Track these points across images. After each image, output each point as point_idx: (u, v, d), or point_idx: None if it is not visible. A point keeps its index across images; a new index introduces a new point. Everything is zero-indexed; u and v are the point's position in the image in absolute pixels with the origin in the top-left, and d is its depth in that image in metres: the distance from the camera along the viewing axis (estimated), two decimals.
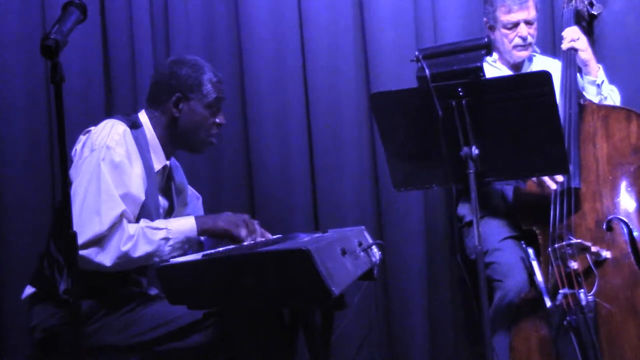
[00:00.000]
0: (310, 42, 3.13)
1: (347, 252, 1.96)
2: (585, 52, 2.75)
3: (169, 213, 2.30)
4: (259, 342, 2.00)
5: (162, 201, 2.26)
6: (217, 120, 2.26)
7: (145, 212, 2.10)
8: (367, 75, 3.14)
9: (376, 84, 3.09)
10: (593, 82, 2.77)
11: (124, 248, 1.98)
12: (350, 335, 3.01)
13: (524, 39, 2.78)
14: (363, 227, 2.41)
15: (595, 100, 2.75)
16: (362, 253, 2.13)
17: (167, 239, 2.04)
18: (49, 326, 2.06)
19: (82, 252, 1.92)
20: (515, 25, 2.78)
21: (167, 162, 2.24)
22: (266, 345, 2.01)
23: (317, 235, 2.18)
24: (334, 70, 3.13)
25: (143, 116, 2.23)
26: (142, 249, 2.00)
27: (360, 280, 2.14)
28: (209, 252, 1.92)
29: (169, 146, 2.25)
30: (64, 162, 1.62)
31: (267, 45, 3.12)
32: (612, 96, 2.80)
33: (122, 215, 2.00)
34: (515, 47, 2.80)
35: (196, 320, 2.02)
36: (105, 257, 1.96)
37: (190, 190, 2.47)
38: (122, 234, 1.99)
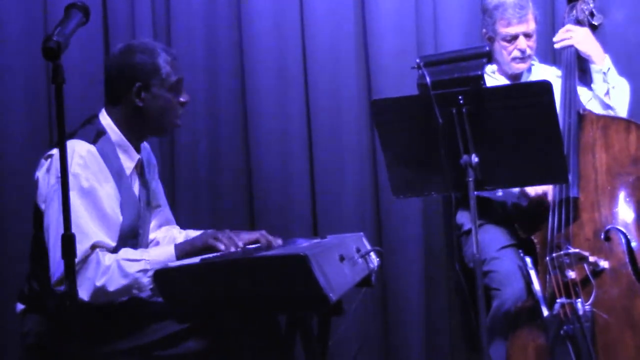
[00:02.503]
0: (311, 48, 3.13)
1: (345, 258, 1.96)
2: (582, 44, 2.74)
3: (148, 203, 2.27)
4: (255, 348, 2.00)
5: (142, 196, 2.21)
6: (182, 99, 2.16)
7: (125, 226, 2.06)
8: (368, 82, 3.15)
9: (377, 90, 3.10)
10: (599, 71, 2.74)
11: (99, 283, 1.90)
12: (348, 342, 3.00)
13: (523, 51, 2.78)
14: (362, 233, 2.40)
15: (603, 89, 2.73)
16: (360, 259, 2.13)
17: (145, 271, 1.94)
18: (41, 331, 2.04)
19: (57, 289, 1.89)
20: (514, 38, 2.76)
21: (139, 156, 2.18)
22: (263, 351, 2.01)
23: (315, 241, 2.18)
24: (335, 76, 3.13)
25: (104, 118, 2.11)
26: (117, 282, 1.92)
27: (358, 286, 2.14)
28: (207, 256, 1.92)
29: (138, 139, 2.17)
30: (64, 163, 1.61)
31: (268, 50, 3.13)
32: (620, 86, 2.76)
33: (94, 247, 1.93)
34: (513, 59, 2.80)
35: (191, 325, 2.00)
36: (82, 292, 1.87)
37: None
38: (97, 268, 1.91)
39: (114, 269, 1.92)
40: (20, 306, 2.11)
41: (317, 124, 3.14)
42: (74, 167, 1.94)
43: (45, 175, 2.02)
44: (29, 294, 2.09)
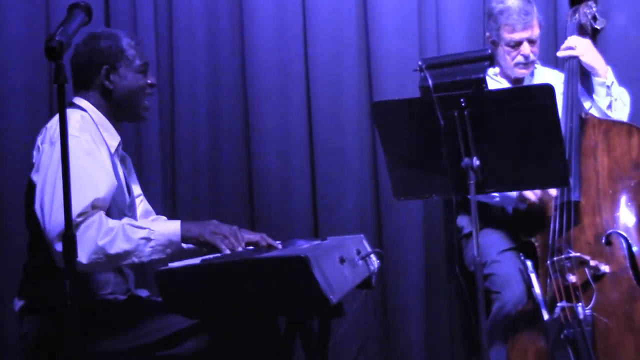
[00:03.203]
0: (313, 50, 3.13)
1: (346, 260, 1.96)
2: (586, 56, 2.74)
3: (128, 189, 2.27)
4: (255, 349, 2.00)
5: (125, 176, 2.24)
6: (149, 81, 2.23)
7: (116, 194, 2.06)
8: (370, 84, 3.15)
9: (379, 93, 3.10)
10: (602, 84, 2.75)
11: (101, 242, 1.89)
12: (348, 344, 3.00)
13: (526, 57, 2.77)
14: (362, 235, 2.40)
15: (606, 102, 2.74)
16: (360, 261, 2.13)
17: (148, 239, 1.95)
18: (40, 332, 2.04)
19: (57, 248, 1.86)
20: (519, 43, 2.76)
21: (119, 138, 2.21)
22: (262, 352, 2.01)
23: (316, 242, 2.18)
24: (337, 78, 3.13)
25: (80, 101, 2.16)
26: (119, 246, 1.91)
27: (358, 288, 2.14)
28: (207, 257, 1.92)
29: (115, 121, 2.20)
30: (66, 163, 1.61)
31: (270, 51, 3.13)
32: (622, 98, 2.78)
33: (94, 206, 1.93)
34: (517, 64, 2.80)
35: (190, 326, 2.00)
36: (81, 253, 1.83)
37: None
38: (99, 227, 1.90)
39: (118, 231, 1.92)
40: (18, 303, 2.11)
41: (319, 126, 3.14)
42: (72, 130, 1.95)
43: (40, 146, 2.04)
44: (25, 285, 2.09)
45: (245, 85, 3.15)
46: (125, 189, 2.19)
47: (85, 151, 1.99)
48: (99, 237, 1.90)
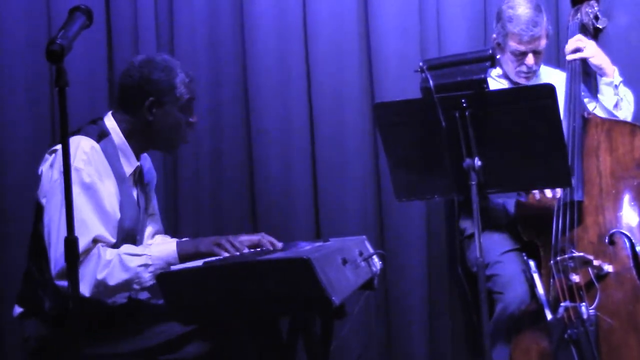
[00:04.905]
0: (314, 51, 3.13)
1: (348, 261, 1.96)
2: (595, 57, 2.72)
3: (146, 209, 2.29)
4: (257, 351, 1.99)
5: (140, 201, 2.23)
6: (190, 120, 2.21)
7: (124, 227, 2.08)
8: (371, 85, 3.14)
9: (380, 94, 3.09)
10: (610, 84, 2.73)
11: (100, 276, 1.92)
12: (350, 345, 3.00)
13: (530, 67, 2.75)
14: (364, 236, 2.40)
15: (612, 101, 2.73)
16: (362, 263, 2.13)
17: (146, 265, 1.97)
18: (43, 336, 2.05)
19: (58, 283, 1.90)
20: (523, 54, 2.74)
21: (138, 163, 2.20)
22: (264, 354, 2.01)
23: (318, 244, 2.18)
24: (338, 79, 3.13)
25: (110, 121, 2.15)
26: (118, 277, 1.94)
27: (360, 289, 2.14)
28: (210, 259, 1.92)
29: (140, 148, 2.20)
30: (67, 167, 1.61)
31: (271, 53, 3.13)
32: (627, 97, 2.77)
33: (95, 241, 1.95)
34: (518, 73, 2.79)
35: (192, 329, 2.00)
36: (83, 286, 1.87)
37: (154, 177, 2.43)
38: (98, 261, 1.93)
39: (115, 263, 1.94)
40: (17, 309, 2.11)
41: (320, 127, 3.14)
42: (77, 161, 1.97)
43: (49, 170, 2.04)
44: (25, 293, 2.10)
45: (246, 86, 3.15)
46: (136, 214, 2.18)
47: (85, 186, 1.98)
48: (97, 270, 1.93)
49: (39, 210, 2.06)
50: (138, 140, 2.17)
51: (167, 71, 2.14)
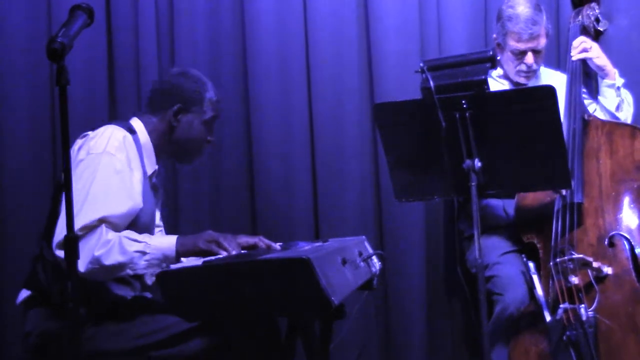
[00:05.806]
0: (314, 51, 3.13)
1: (348, 261, 1.96)
2: (599, 58, 2.74)
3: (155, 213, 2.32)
4: (255, 351, 2.00)
5: (156, 201, 2.28)
6: (209, 137, 2.30)
7: (141, 222, 2.10)
8: (371, 86, 3.15)
9: (380, 94, 3.10)
10: (612, 86, 2.75)
11: (97, 253, 1.95)
12: (349, 345, 3.00)
13: (529, 66, 2.76)
14: (364, 237, 2.41)
15: (614, 103, 2.74)
16: (362, 263, 2.13)
17: (143, 253, 2.00)
18: (44, 331, 2.05)
19: (57, 253, 1.92)
20: (523, 53, 2.74)
21: (157, 166, 2.26)
22: (263, 353, 2.01)
23: (317, 244, 2.18)
24: (338, 79, 3.13)
25: (136, 122, 2.23)
26: (114, 258, 1.96)
27: (359, 290, 2.14)
28: (209, 259, 1.92)
29: (160, 152, 2.26)
30: (67, 165, 1.62)
31: (271, 53, 3.13)
32: (627, 99, 2.79)
33: (101, 221, 1.98)
34: (518, 72, 2.79)
35: (192, 327, 2.01)
36: (80, 261, 1.83)
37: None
38: (98, 239, 1.96)
39: (114, 244, 1.97)
40: (23, 294, 2.12)
41: (320, 128, 3.14)
42: (109, 147, 2.05)
43: (77, 152, 2.09)
44: (33, 277, 2.10)
45: (246, 86, 3.16)
46: (153, 212, 2.23)
47: (115, 170, 2.04)
48: (96, 247, 1.95)
49: (58, 188, 2.08)
50: (159, 144, 2.24)
51: (199, 84, 2.27)
